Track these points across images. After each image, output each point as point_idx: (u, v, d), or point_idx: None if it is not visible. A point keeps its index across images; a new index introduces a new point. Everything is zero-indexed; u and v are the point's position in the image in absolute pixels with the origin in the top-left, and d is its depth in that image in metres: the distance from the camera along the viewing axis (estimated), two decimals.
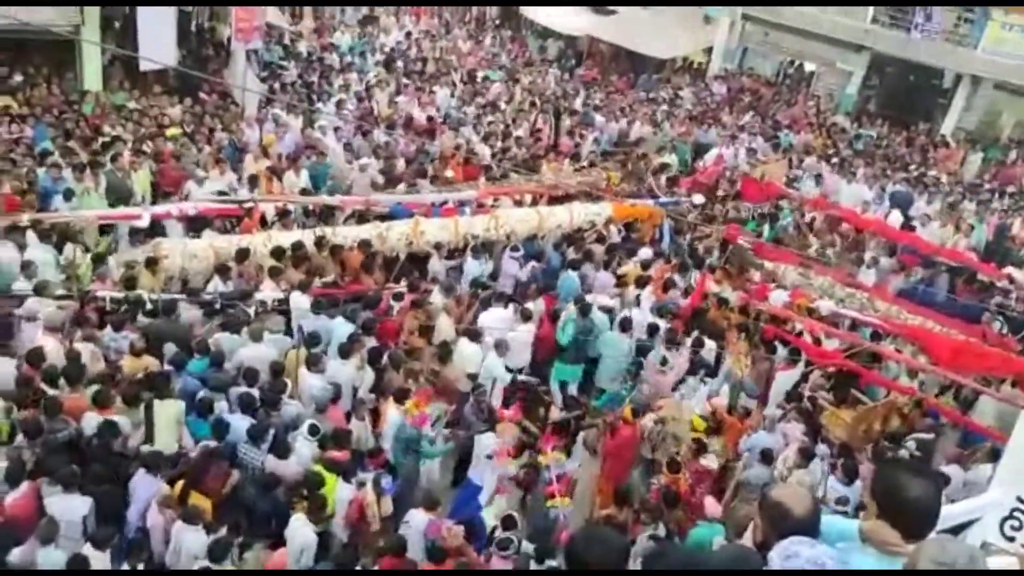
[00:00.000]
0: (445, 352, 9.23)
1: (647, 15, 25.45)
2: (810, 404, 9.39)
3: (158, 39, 14.63)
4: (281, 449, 7.50)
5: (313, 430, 7.71)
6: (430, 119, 17.25)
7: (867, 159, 20.51)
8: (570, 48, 27.63)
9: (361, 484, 7.32)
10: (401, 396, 8.23)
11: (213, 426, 7.61)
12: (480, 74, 22.20)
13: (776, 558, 2.34)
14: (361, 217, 12.14)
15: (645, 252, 12.61)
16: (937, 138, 23.44)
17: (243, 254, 10.06)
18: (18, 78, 15.01)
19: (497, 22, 29.74)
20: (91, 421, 7.25)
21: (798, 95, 25.77)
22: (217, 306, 9.27)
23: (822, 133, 22.35)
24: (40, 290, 8.74)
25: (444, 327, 9.74)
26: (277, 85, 17.74)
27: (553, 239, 12.68)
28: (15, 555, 6.10)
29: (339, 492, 7.29)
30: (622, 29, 25.42)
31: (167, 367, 8.24)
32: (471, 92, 19.97)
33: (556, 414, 8.97)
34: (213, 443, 7.41)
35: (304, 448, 7.63)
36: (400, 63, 21.36)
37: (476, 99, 19.52)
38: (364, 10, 25.88)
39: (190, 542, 6.47)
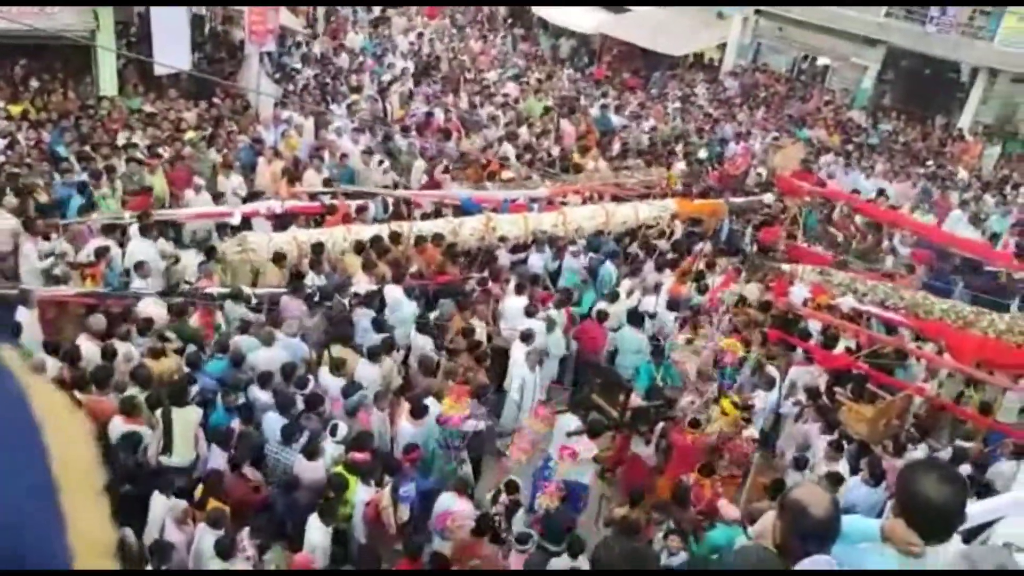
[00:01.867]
0: (481, 354, 9.23)
1: (660, 12, 25.37)
2: (828, 400, 9.31)
3: (172, 43, 14.72)
4: (311, 451, 7.52)
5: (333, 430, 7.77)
6: (447, 120, 17.25)
7: (884, 154, 20.36)
8: (583, 47, 27.59)
9: (392, 486, 7.23)
10: (416, 406, 8.02)
11: (240, 411, 7.76)
12: (492, 74, 22.16)
13: None
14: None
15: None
16: (954, 132, 23.23)
17: (318, 248, 10.37)
18: (34, 84, 15.13)
19: (509, 21, 29.71)
20: (116, 428, 7.26)
21: (812, 90, 25.62)
22: (316, 299, 9.62)
23: (837, 129, 22.20)
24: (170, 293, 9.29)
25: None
26: (291, 87, 17.80)
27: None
28: None
29: (358, 494, 7.29)
30: (635, 26, 25.37)
31: (184, 367, 8.26)
32: (485, 93, 19.94)
33: (636, 401, 8.78)
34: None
35: (329, 450, 7.67)
36: (411, 63, 21.37)
37: (491, 99, 19.46)
38: (376, 11, 25.92)
39: (209, 545, 6.46)
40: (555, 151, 16.62)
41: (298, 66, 19.33)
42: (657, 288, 11.20)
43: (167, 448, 7.38)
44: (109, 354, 8.06)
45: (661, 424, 8.73)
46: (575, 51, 27.28)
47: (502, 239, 11.78)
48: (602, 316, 10.42)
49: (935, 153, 21.67)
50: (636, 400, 8.75)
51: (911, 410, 9.75)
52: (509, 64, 23.82)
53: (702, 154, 17.75)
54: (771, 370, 9.73)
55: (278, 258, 10.21)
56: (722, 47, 26.81)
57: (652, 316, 10.59)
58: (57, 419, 0.83)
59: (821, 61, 27.27)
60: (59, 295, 9.11)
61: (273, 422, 7.74)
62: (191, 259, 10.41)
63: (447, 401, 8.15)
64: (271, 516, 7.26)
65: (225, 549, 6.26)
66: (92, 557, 0.82)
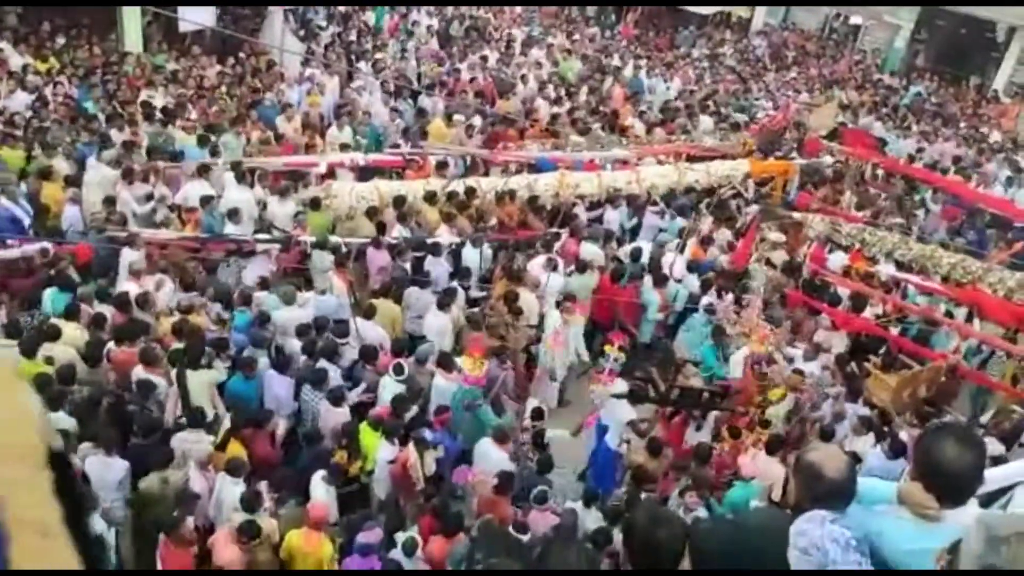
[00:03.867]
0: (517, 309, 9.30)
1: None
2: (856, 368, 9.24)
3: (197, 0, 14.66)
4: (337, 396, 7.67)
5: (399, 370, 7.99)
6: (476, 81, 17.10)
7: (917, 116, 19.99)
8: (609, 4, 27.14)
9: (417, 442, 7.27)
10: (446, 363, 8.16)
11: (277, 356, 8.02)
12: (517, 31, 21.87)
13: (791, 532, 2.32)
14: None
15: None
16: (989, 93, 22.71)
17: (400, 200, 10.77)
18: (60, 40, 15.18)
19: None
20: (137, 375, 7.46)
21: (844, 50, 25.09)
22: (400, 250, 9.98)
23: (868, 89, 21.79)
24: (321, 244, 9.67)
25: (530, 300, 9.68)
26: (315, 45, 17.71)
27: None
28: None
29: (380, 451, 7.35)
30: None
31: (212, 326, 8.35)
32: (510, 52, 19.71)
33: (693, 380, 8.60)
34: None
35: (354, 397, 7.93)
36: (435, 21, 21.11)
37: (515, 60, 19.23)
38: None
39: (230, 492, 6.60)
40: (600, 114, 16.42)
41: (323, 23, 19.19)
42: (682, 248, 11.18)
43: (185, 409, 7.41)
44: (143, 302, 8.28)
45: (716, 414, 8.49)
46: (602, 9, 26.85)
47: (579, 196, 12.07)
48: (616, 275, 10.40)
49: (969, 116, 21.22)
50: (693, 381, 8.56)
51: (936, 382, 9.63)
52: (535, 23, 23.49)
53: (739, 116, 17.46)
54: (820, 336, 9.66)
55: (371, 212, 10.63)
56: (752, 5, 26.28)
57: (679, 280, 10.54)
58: None
59: (853, 20, 26.66)
60: (164, 239, 9.52)
61: (304, 368, 7.92)
62: (277, 207, 10.74)
63: (466, 360, 8.23)
64: (293, 468, 7.40)
65: (250, 502, 6.37)
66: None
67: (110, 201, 9.93)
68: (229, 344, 8.16)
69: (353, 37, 18.69)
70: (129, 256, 8.96)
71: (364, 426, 7.48)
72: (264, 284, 9.07)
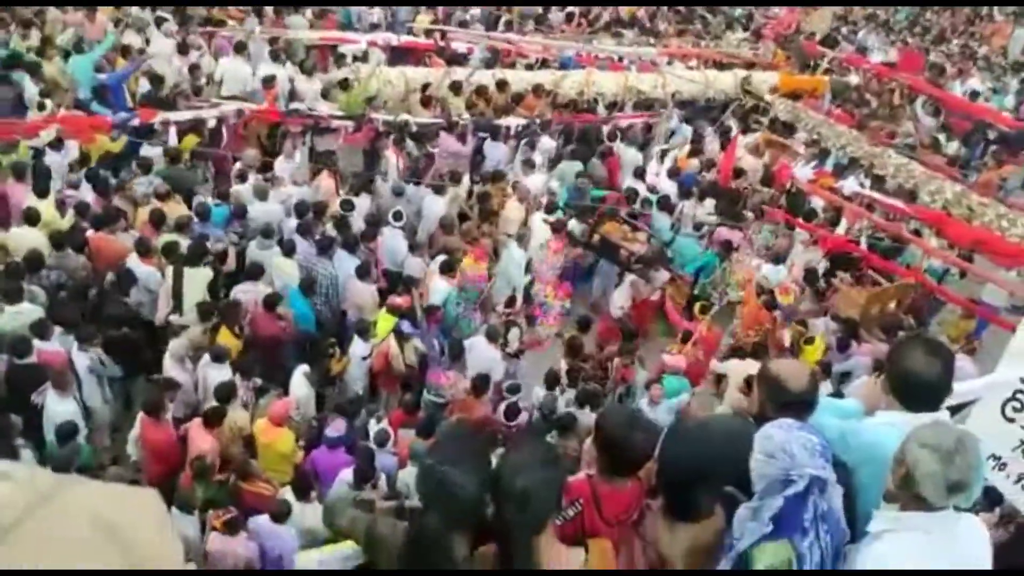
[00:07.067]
0: (487, 210, 9.60)
1: None
2: (825, 284, 9.34)
3: None
4: (364, 271, 7.90)
5: (398, 215, 8.64)
6: None
7: (910, 29, 19.70)
8: None
9: (398, 334, 7.42)
10: (447, 268, 8.29)
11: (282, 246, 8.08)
12: None
13: (757, 438, 2.36)
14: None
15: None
16: (982, 11, 22.31)
17: (425, 86, 11.36)
18: None
19: None
20: (134, 266, 7.44)
21: None
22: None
23: None
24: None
25: (513, 211, 9.67)
26: None
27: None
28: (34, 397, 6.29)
29: (355, 347, 7.44)
30: None
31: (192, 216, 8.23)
32: None
33: (636, 246, 9.17)
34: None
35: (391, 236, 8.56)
36: None
37: None
38: None
39: (214, 379, 6.69)
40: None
41: None
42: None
43: (177, 310, 7.41)
44: (116, 189, 8.32)
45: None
46: None
47: (599, 95, 12.21)
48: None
49: (960, 32, 20.90)
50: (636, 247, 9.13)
51: (905, 299, 9.76)
52: None
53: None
54: (782, 243, 9.78)
55: (426, 101, 11.17)
56: None
57: (653, 190, 10.50)
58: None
59: None
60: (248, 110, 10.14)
61: (305, 247, 8.11)
62: (305, 84, 11.20)
63: (467, 260, 8.36)
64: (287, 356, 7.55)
65: (222, 391, 6.44)
66: None
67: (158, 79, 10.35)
68: (208, 238, 8.01)
69: None
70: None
71: (382, 312, 7.59)
72: (242, 176, 8.96)
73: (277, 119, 10.23)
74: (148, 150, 9.13)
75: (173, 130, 9.39)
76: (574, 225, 9.55)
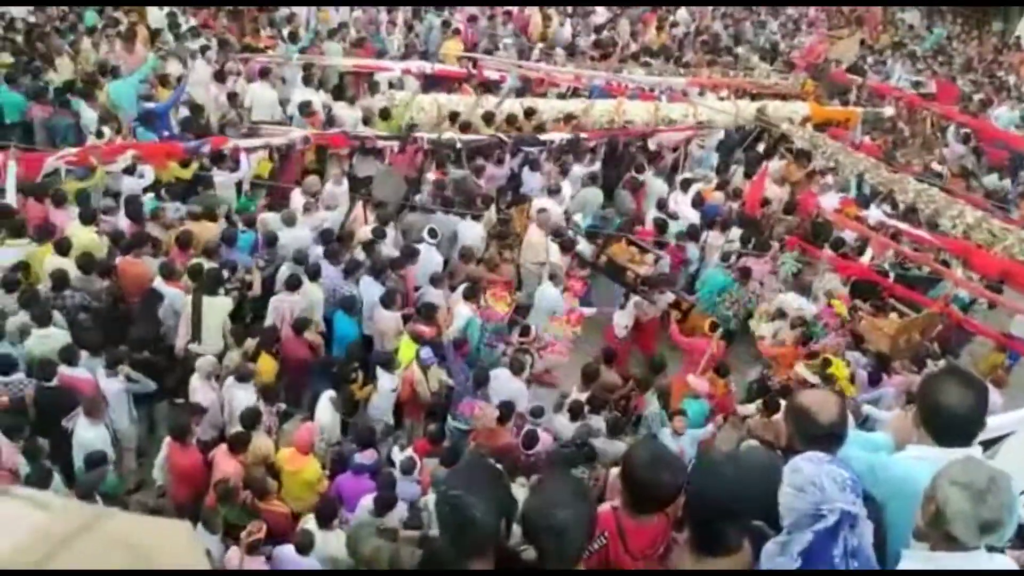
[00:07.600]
0: (510, 243, 9.59)
1: None
2: (849, 315, 9.25)
3: None
4: (390, 300, 7.86)
5: (433, 233, 8.67)
6: None
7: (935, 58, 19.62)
8: None
9: (419, 361, 7.42)
10: (470, 294, 8.28)
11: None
12: None
13: (785, 471, 2.33)
14: None
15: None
16: (1011, 40, 22.22)
17: (454, 116, 11.35)
18: None
19: None
20: (160, 288, 7.51)
21: None
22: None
23: (886, 30, 21.32)
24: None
25: (535, 238, 9.63)
26: None
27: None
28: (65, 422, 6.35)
29: (381, 381, 7.40)
30: None
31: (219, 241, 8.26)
32: None
33: (643, 269, 9.19)
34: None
35: (427, 253, 8.59)
36: None
37: None
38: None
39: (239, 399, 6.74)
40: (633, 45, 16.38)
41: None
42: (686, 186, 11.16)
43: (196, 338, 7.41)
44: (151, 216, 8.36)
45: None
46: None
47: (628, 123, 12.29)
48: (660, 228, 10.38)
49: (989, 62, 20.81)
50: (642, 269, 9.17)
51: (931, 328, 9.64)
52: None
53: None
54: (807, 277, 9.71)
55: (384, 113, 11.21)
56: None
57: (674, 217, 10.50)
58: None
59: None
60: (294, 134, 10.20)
61: (332, 273, 8.16)
62: (346, 112, 11.31)
63: (490, 298, 8.35)
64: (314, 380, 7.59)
65: (247, 418, 6.48)
66: None
67: (198, 109, 10.59)
68: (236, 265, 8.06)
69: None
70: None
71: (404, 340, 7.60)
72: (269, 206, 9.06)
73: (343, 144, 10.28)
74: (219, 176, 9.30)
75: (245, 156, 9.49)
76: (583, 246, 9.64)
